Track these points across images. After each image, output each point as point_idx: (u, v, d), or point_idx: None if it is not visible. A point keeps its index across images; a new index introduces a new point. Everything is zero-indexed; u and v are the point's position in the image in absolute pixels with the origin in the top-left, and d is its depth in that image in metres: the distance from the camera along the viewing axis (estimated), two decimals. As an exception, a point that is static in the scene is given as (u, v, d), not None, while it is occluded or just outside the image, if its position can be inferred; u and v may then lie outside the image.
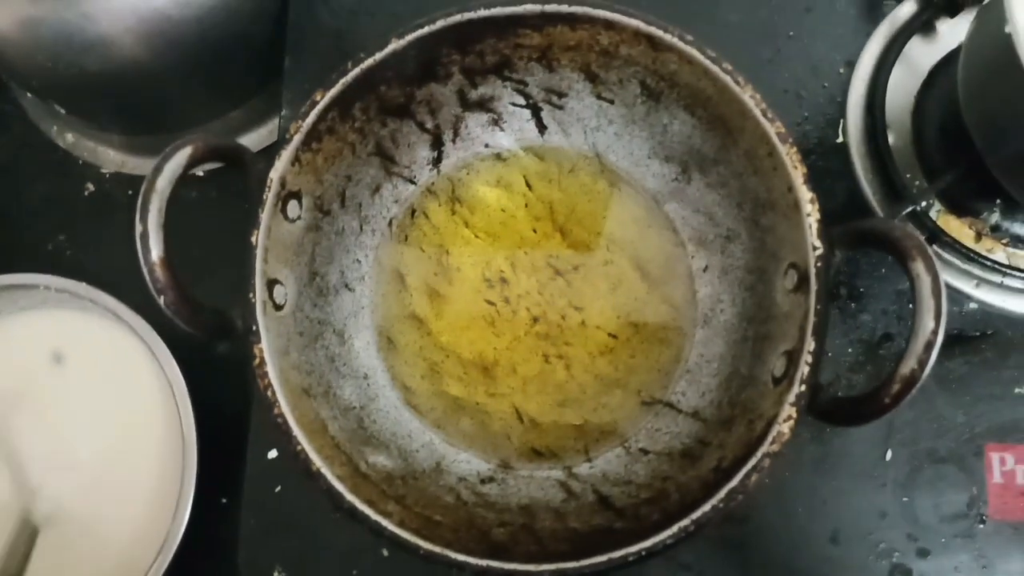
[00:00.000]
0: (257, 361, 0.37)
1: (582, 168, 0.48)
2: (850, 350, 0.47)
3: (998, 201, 0.47)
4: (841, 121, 0.49)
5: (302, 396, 0.40)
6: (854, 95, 0.49)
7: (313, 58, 0.51)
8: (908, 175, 0.48)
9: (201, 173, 0.56)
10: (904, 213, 0.46)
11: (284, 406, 0.37)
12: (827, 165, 0.49)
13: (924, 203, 0.47)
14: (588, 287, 0.47)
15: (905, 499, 0.45)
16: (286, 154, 0.39)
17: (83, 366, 0.50)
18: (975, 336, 0.47)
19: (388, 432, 0.44)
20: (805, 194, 0.37)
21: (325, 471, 0.36)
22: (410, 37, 0.40)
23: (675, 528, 0.35)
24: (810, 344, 0.36)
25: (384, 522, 0.36)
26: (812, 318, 0.36)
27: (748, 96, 0.38)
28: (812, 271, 0.36)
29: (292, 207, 0.41)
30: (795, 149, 0.38)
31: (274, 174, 0.39)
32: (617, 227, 0.47)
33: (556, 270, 0.47)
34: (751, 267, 0.43)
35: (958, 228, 0.47)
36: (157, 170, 0.35)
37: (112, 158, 0.58)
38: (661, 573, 0.45)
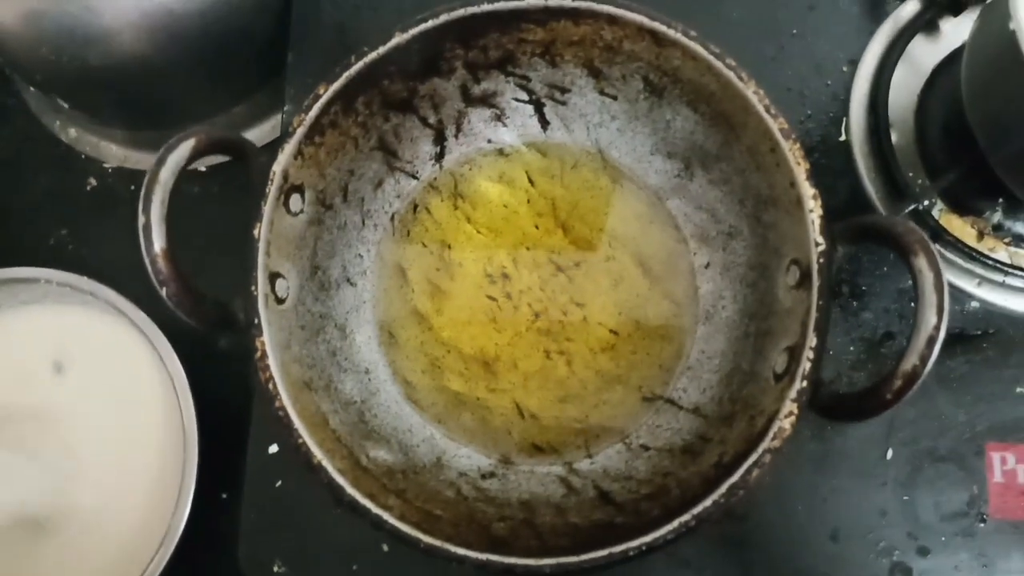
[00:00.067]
0: (259, 354, 0.37)
1: (584, 164, 0.48)
2: (852, 348, 0.47)
3: (1000, 200, 0.47)
4: (844, 119, 0.49)
5: (303, 390, 0.40)
6: (857, 93, 0.49)
7: (316, 53, 0.51)
8: (911, 174, 0.48)
9: (203, 168, 0.57)
10: (906, 211, 0.46)
11: (285, 399, 0.37)
12: (830, 163, 0.49)
13: (926, 202, 0.47)
14: (590, 283, 0.47)
15: (906, 498, 0.45)
16: (289, 147, 0.39)
17: (84, 360, 0.50)
18: (977, 335, 0.47)
19: (389, 426, 0.44)
20: (808, 190, 0.37)
21: (326, 464, 0.36)
22: (413, 31, 0.40)
23: (676, 523, 0.35)
24: (812, 340, 0.36)
25: (385, 516, 0.36)
26: (814, 314, 0.36)
27: (751, 92, 0.38)
28: (814, 267, 0.36)
29: (294, 201, 0.41)
30: (798, 145, 0.38)
31: (277, 167, 0.39)
32: (619, 223, 0.47)
33: (558, 266, 0.47)
34: (753, 263, 0.43)
35: (960, 227, 0.47)
36: (160, 162, 0.35)
37: (114, 153, 0.58)
38: (661, 570, 0.45)
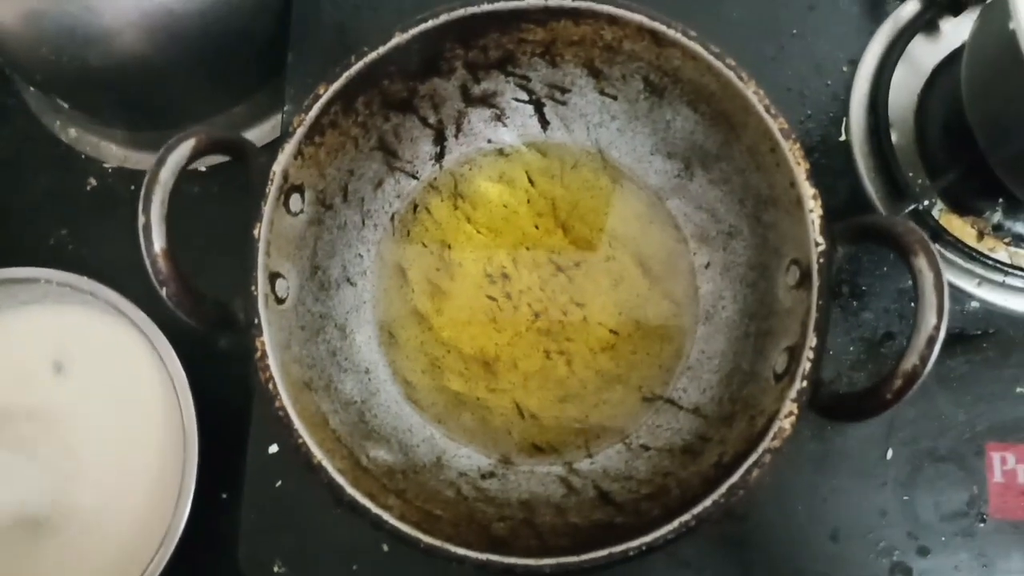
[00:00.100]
0: (259, 354, 0.37)
1: (585, 164, 0.48)
2: (851, 348, 0.47)
3: (1000, 200, 0.47)
4: (844, 119, 0.49)
5: (303, 390, 0.40)
6: (857, 93, 0.49)
7: (316, 53, 0.51)
8: (911, 174, 0.48)
9: (203, 168, 0.57)
10: (906, 211, 0.46)
11: (285, 399, 0.37)
12: (830, 163, 0.49)
13: (926, 202, 0.47)
14: (590, 283, 0.47)
15: (905, 498, 0.45)
16: (289, 147, 0.39)
17: (84, 360, 0.50)
18: (977, 335, 0.47)
19: (389, 426, 0.44)
20: (808, 190, 0.37)
21: (326, 464, 0.36)
22: (413, 31, 0.40)
23: (676, 523, 0.35)
24: (812, 340, 0.36)
25: (385, 515, 0.36)
26: (814, 314, 0.36)
27: (751, 92, 0.38)
28: (815, 267, 0.36)
29: (294, 201, 0.41)
30: (798, 145, 0.38)
31: (277, 167, 0.39)
32: (619, 223, 0.47)
33: (558, 266, 0.47)
34: (753, 263, 0.43)
35: (960, 227, 0.47)
36: (160, 162, 0.35)
37: (114, 153, 0.58)
38: (661, 570, 0.45)
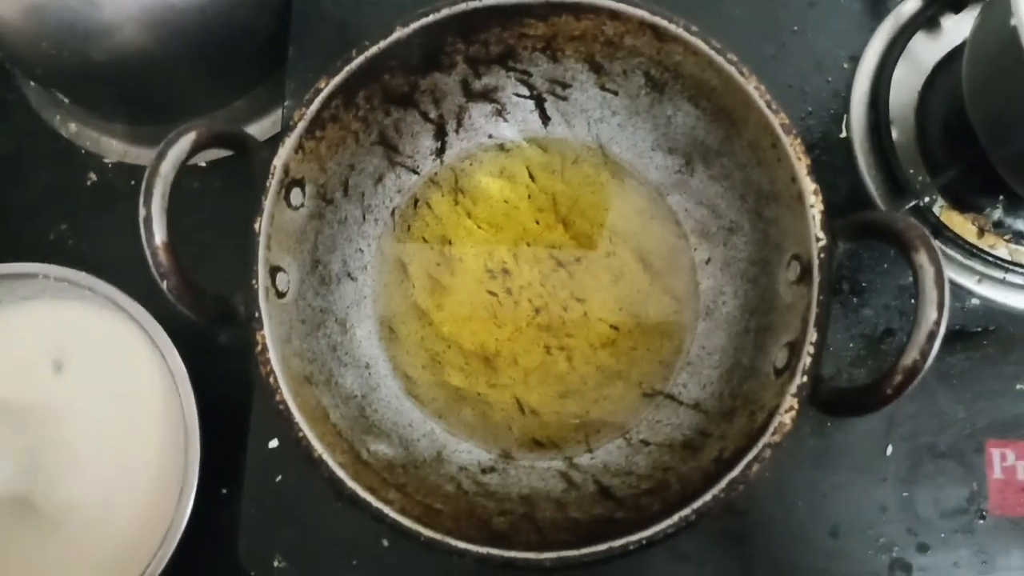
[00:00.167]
0: (259, 348, 0.37)
1: (585, 159, 0.48)
2: (851, 345, 0.47)
3: (1001, 197, 0.47)
4: (845, 116, 0.49)
5: (304, 383, 0.40)
6: (858, 90, 0.49)
7: (317, 48, 0.51)
8: (911, 170, 0.48)
9: (203, 164, 0.57)
10: (907, 208, 0.46)
11: (286, 393, 0.37)
12: (830, 160, 0.49)
13: (927, 198, 0.47)
14: (590, 279, 0.47)
15: (905, 494, 0.45)
16: (290, 141, 0.39)
17: (83, 356, 0.50)
18: (977, 332, 0.47)
19: (389, 421, 0.44)
20: (809, 185, 0.37)
21: (327, 458, 0.36)
22: (414, 25, 0.40)
23: (676, 517, 0.35)
24: (812, 335, 0.36)
25: (385, 509, 0.36)
26: (815, 309, 0.36)
27: (752, 87, 0.38)
28: (815, 262, 0.36)
29: (295, 195, 0.41)
30: (799, 140, 0.38)
31: (278, 161, 0.39)
32: (620, 219, 0.47)
33: (558, 261, 0.47)
34: (754, 259, 0.43)
35: (961, 224, 0.47)
36: (161, 155, 0.35)
37: (115, 148, 0.58)
38: (662, 565, 0.45)
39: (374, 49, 0.40)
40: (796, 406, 0.35)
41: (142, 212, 0.35)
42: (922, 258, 0.33)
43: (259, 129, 0.57)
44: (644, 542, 0.35)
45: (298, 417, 0.37)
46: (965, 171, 0.46)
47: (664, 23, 0.39)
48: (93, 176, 0.58)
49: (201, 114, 0.56)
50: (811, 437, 0.46)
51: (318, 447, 0.36)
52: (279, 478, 0.47)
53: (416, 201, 0.48)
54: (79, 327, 0.50)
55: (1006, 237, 0.47)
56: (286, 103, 0.51)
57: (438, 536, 0.35)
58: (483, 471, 0.44)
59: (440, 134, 0.47)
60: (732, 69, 0.39)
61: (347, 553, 0.46)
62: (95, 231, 0.57)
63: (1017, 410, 0.46)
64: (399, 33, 0.40)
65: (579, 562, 0.35)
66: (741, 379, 0.42)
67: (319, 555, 0.46)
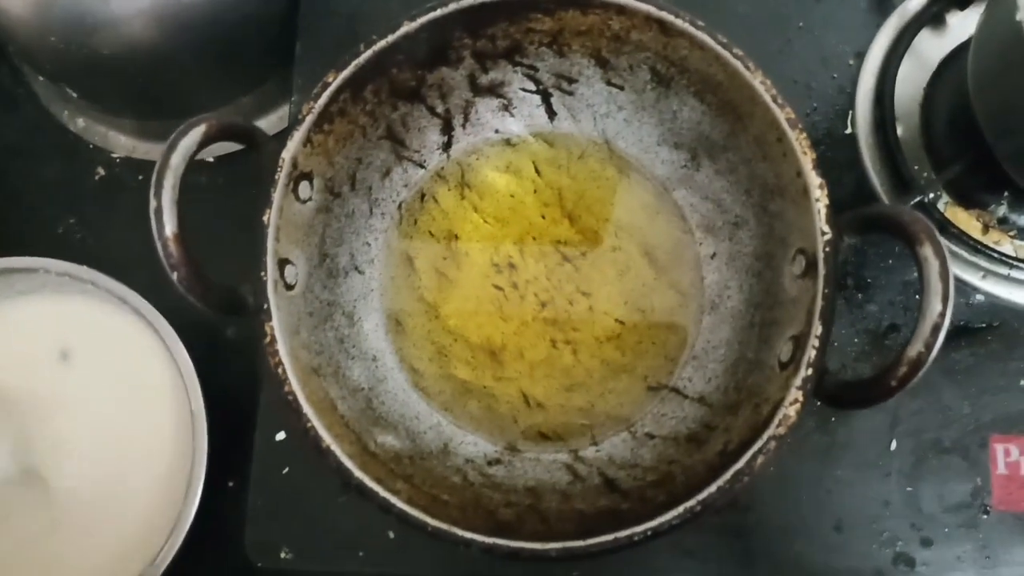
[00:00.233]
0: (268, 339, 0.38)
1: (591, 154, 0.48)
2: (856, 340, 0.47)
3: (1006, 193, 0.47)
4: (850, 112, 0.49)
5: (312, 375, 0.40)
6: (863, 86, 0.49)
7: (325, 43, 0.51)
8: (916, 166, 0.48)
9: (211, 159, 0.57)
10: (911, 204, 0.46)
11: (295, 384, 0.37)
12: (836, 156, 0.49)
13: (932, 194, 0.47)
14: (596, 273, 0.47)
15: (909, 489, 0.46)
16: (298, 134, 0.40)
17: (88, 351, 0.50)
18: (981, 327, 0.48)
19: (396, 413, 0.44)
20: (814, 179, 0.37)
21: (335, 449, 0.36)
22: (422, 20, 0.40)
23: (681, 509, 0.35)
24: (817, 328, 0.36)
25: (393, 499, 0.36)
26: (820, 302, 0.36)
27: (758, 82, 0.39)
28: (820, 256, 0.36)
29: (303, 188, 0.41)
30: (804, 135, 0.38)
31: (286, 154, 0.39)
32: (625, 214, 0.47)
33: (564, 256, 0.47)
34: (759, 253, 0.43)
35: (965, 220, 0.47)
36: (171, 147, 0.36)
37: (123, 143, 0.59)
38: (666, 559, 0.45)
39: (382, 43, 0.40)
40: (800, 399, 0.35)
41: (153, 203, 0.35)
42: (927, 251, 0.33)
43: (266, 125, 0.57)
44: (649, 533, 0.35)
45: (306, 408, 0.37)
46: (970, 167, 0.46)
47: (671, 18, 0.40)
48: (101, 171, 0.58)
49: (209, 109, 0.56)
50: (815, 433, 0.46)
51: (326, 437, 0.37)
52: (286, 470, 0.47)
53: (423, 195, 0.48)
54: (82, 321, 0.50)
55: (1011, 233, 0.47)
56: (294, 98, 0.51)
57: (444, 526, 0.35)
58: (489, 463, 0.44)
59: (447, 128, 0.47)
60: (738, 64, 0.39)
61: (353, 544, 0.46)
62: (103, 225, 0.57)
63: (1021, 406, 0.46)
64: (407, 27, 0.40)
65: (585, 552, 0.35)
66: (746, 373, 0.42)
67: (325, 547, 0.46)
